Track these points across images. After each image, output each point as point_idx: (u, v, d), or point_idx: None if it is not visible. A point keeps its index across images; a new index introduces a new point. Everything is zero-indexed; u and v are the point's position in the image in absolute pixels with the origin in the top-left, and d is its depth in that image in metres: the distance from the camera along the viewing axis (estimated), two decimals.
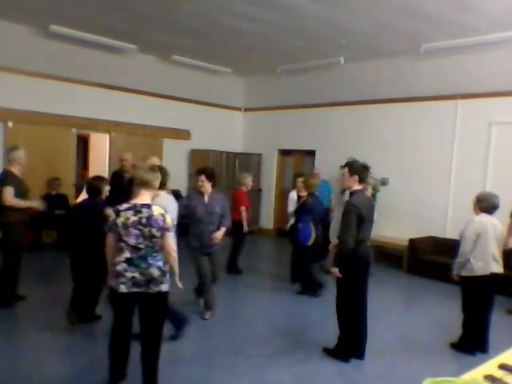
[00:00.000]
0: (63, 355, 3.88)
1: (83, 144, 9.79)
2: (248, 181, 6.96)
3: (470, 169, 7.40)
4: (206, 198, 4.72)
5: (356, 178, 3.85)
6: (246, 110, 10.96)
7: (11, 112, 7.46)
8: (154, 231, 3.04)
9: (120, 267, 3.04)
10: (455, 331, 4.47)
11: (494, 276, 4.20)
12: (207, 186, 4.70)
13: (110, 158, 8.83)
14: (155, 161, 4.91)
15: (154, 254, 3.09)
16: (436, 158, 7.80)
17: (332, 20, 5.95)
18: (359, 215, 3.70)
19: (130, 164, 6.19)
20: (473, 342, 4.28)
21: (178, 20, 6.33)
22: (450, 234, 7.50)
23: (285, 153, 10.48)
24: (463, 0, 5.08)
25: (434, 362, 4.09)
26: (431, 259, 7.12)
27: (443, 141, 7.73)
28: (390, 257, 8.18)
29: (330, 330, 4.39)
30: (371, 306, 5.68)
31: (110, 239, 3.12)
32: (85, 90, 8.25)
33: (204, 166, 5.44)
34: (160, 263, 3.11)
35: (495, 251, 4.24)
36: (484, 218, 4.24)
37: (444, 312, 5.53)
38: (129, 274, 3.03)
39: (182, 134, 9.78)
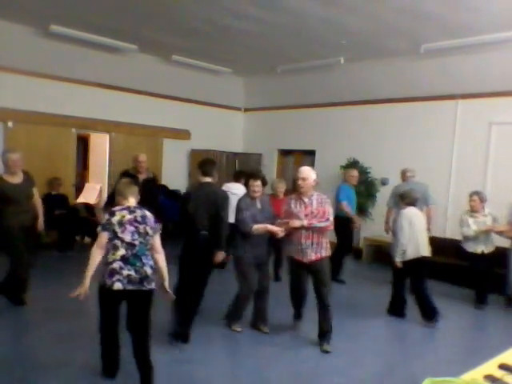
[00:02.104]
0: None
1: (83, 144, 9.79)
2: (279, 187, 6.24)
3: (469, 169, 7.40)
4: (259, 204, 4.45)
5: (200, 171, 4.42)
6: (246, 110, 10.96)
7: (11, 112, 7.46)
8: (148, 229, 3.25)
9: (116, 265, 3.13)
10: (456, 330, 4.48)
11: (423, 258, 5.04)
12: (259, 191, 4.45)
13: (110, 157, 8.84)
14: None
15: (147, 253, 3.26)
16: (436, 157, 7.80)
17: (332, 20, 5.95)
18: (184, 205, 4.37)
19: (146, 166, 5.95)
20: (399, 310, 5.22)
21: (178, 20, 6.33)
22: (450, 233, 7.50)
23: (285, 153, 10.47)
24: (463, 0, 5.08)
25: (434, 361, 4.10)
26: (431, 259, 7.09)
27: (443, 141, 7.73)
28: (389, 257, 8.15)
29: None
30: (371, 306, 5.70)
31: (103, 239, 3.17)
32: (85, 89, 8.25)
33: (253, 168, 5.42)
34: (151, 262, 3.28)
35: (422, 237, 5.05)
36: (410, 210, 5.08)
37: (444, 312, 5.53)
38: (125, 272, 3.12)
39: (181, 134, 9.78)
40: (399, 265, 5.06)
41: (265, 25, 6.30)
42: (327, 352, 4.11)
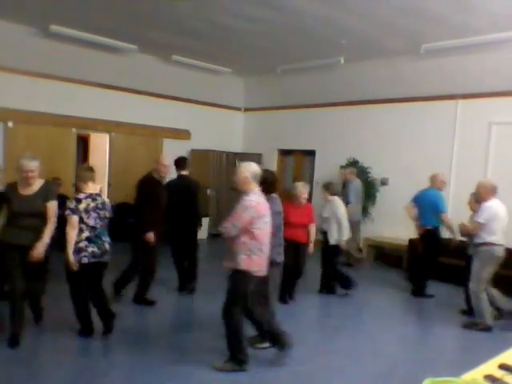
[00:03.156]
0: None
1: (83, 144, 9.79)
2: (300, 192, 5.28)
3: (470, 169, 7.40)
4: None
5: (176, 166, 5.39)
6: (246, 109, 10.96)
7: (11, 112, 7.47)
8: (107, 214, 4.04)
9: (82, 244, 3.88)
10: (456, 330, 4.47)
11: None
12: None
13: (110, 157, 8.84)
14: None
15: (105, 232, 4.04)
16: (436, 157, 7.80)
17: (332, 20, 5.95)
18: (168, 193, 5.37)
19: (168, 170, 5.20)
20: (330, 288, 5.99)
21: (177, 20, 6.33)
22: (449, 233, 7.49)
23: (285, 153, 10.47)
24: (463, 0, 5.08)
25: (434, 361, 4.10)
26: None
27: (443, 141, 7.73)
28: (389, 257, 8.18)
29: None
30: (371, 306, 5.69)
31: (75, 220, 3.83)
32: (85, 89, 8.26)
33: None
34: (109, 239, 4.08)
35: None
36: (337, 198, 5.79)
37: (444, 312, 5.53)
38: (89, 249, 3.90)
39: (181, 134, 9.78)
40: (345, 244, 5.78)
41: (265, 24, 6.30)
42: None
